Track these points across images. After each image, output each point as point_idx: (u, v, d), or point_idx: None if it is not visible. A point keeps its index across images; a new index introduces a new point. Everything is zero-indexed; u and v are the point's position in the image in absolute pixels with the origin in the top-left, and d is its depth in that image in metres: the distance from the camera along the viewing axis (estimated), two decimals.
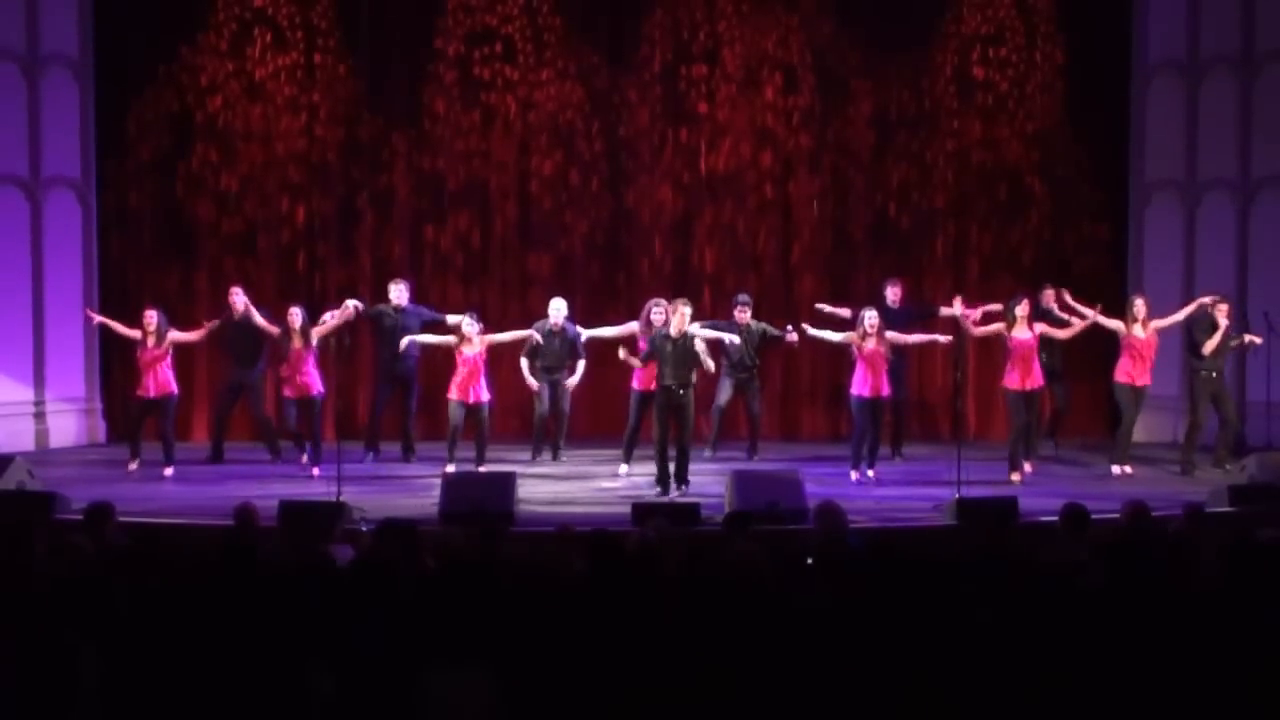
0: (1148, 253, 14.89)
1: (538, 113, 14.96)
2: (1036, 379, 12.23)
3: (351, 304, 12.86)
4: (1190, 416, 12.78)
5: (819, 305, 13.45)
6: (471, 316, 12.48)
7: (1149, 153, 14.84)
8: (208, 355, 14.49)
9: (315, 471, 12.42)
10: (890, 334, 12.21)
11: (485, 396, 12.43)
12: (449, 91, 14.90)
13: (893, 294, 13.37)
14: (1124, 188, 15.03)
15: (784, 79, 14.99)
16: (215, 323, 13.11)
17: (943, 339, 12.63)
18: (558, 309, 13.18)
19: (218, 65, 14.76)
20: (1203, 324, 12.61)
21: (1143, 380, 12.41)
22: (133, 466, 12.70)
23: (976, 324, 12.66)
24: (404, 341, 12.68)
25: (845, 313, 13.07)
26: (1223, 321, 12.51)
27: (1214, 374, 12.59)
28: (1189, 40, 14.51)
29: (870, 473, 12.23)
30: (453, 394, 12.41)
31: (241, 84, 14.82)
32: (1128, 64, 14.93)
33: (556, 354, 13.10)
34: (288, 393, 12.68)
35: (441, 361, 13.13)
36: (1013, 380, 12.20)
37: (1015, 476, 12.02)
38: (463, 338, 12.32)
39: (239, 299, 13.11)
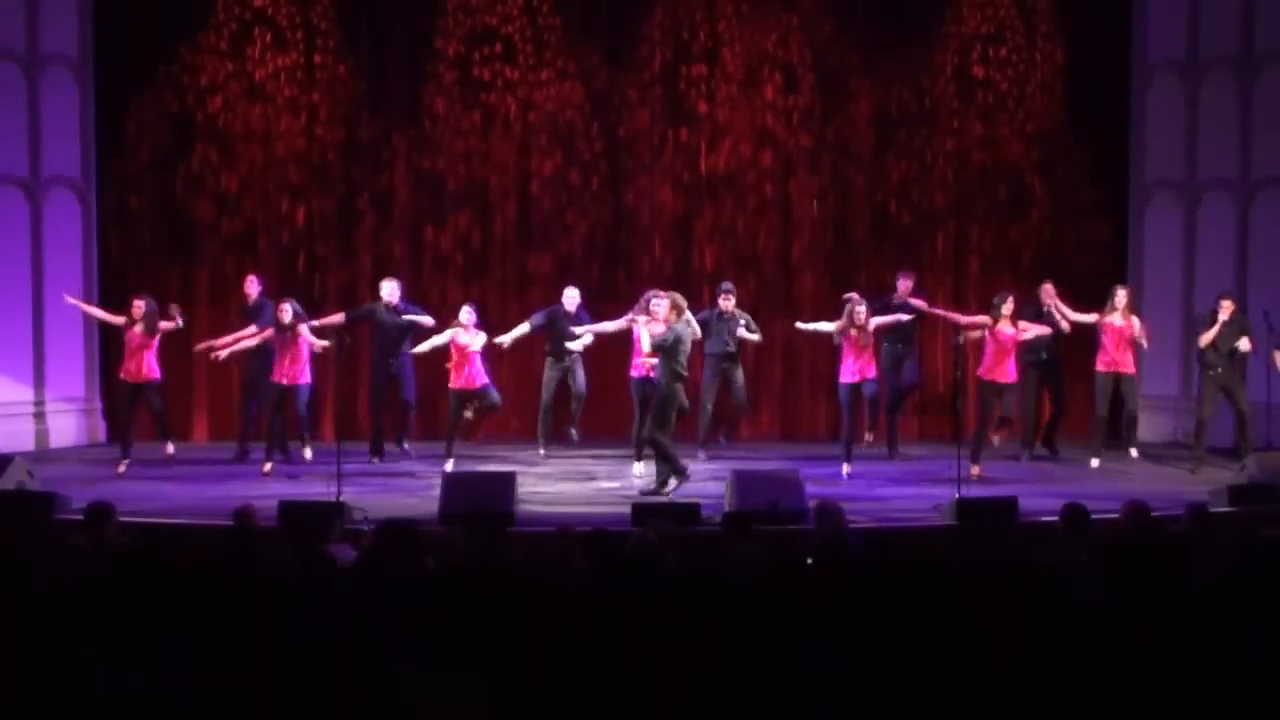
0: (1148, 252, 14.89)
1: (538, 113, 14.96)
2: (1011, 374, 12.46)
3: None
4: (1198, 414, 12.84)
5: (798, 325, 13.11)
6: (470, 307, 12.65)
7: (1149, 153, 14.83)
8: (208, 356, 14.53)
9: (267, 467, 12.48)
10: (874, 320, 12.42)
11: (485, 380, 12.58)
12: (449, 91, 14.89)
13: (904, 287, 13.48)
14: (1124, 188, 15.02)
15: (784, 79, 14.99)
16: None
17: (905, 317, 13.10)
18: (572, 296, 13.26)
19: (218, 65, 14.76)
20: (1205, 320, 12.78)
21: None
22: (122, 469, 12.59)
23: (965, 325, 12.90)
24: (427, 345, 12.73)
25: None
26: (1221, 316, 12.59)
27: (1219, 369, 12.65)
28: (1189, 40, 14.50)
29: (845, 468, 12.32)
30: (455, 383, 12.55)
31: (241, 84, 14.82)
32: (1128, 64, 14.92)
33: (572, 337, 13.18)
34: (277, 378, 12.71)
35: (440, 359, 13.10)
36: (989, 373, 12.45)
37: (975, 470, 12.08)
38: (459, 326, 12.48)
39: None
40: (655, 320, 11.65)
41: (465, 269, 15.07)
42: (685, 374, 11.41)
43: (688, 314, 11.57)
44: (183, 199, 14.88)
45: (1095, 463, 12.56)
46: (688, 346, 11.45)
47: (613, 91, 14.98)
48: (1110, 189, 15.02)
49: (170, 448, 12.84)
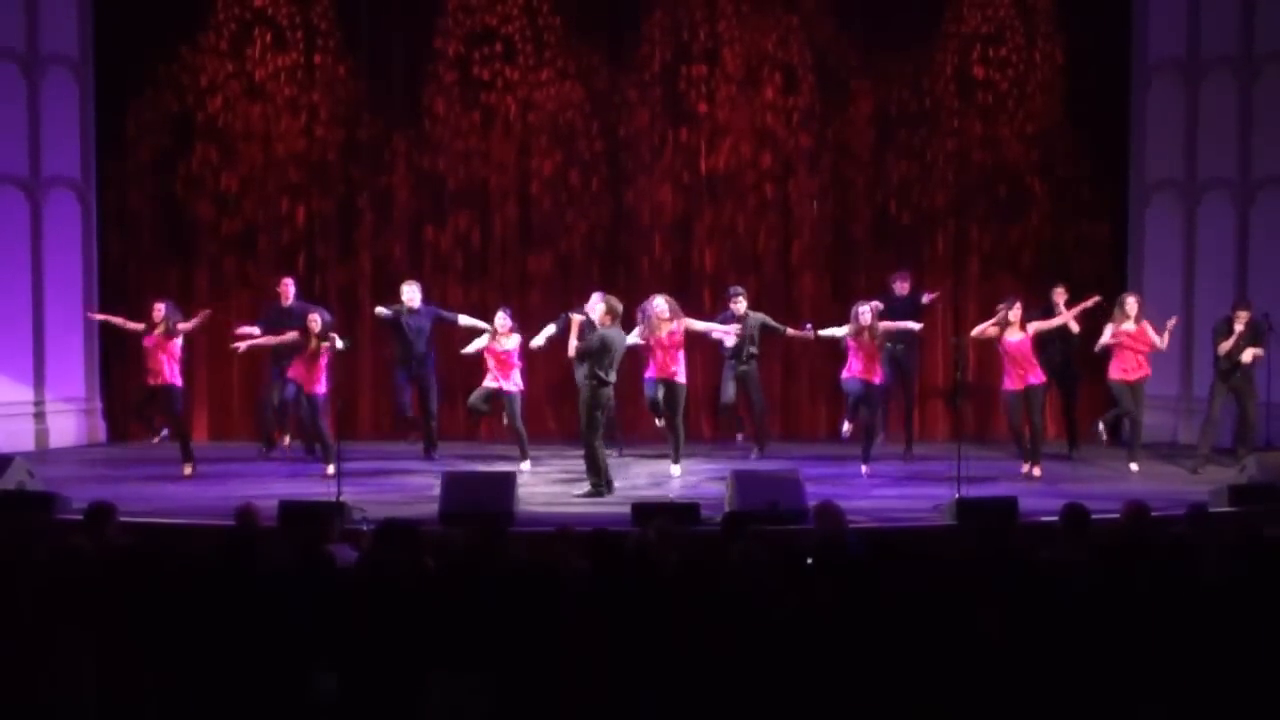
0: (1148, 253, 14.88)
1: (538, 113, 14.96)
2: (1040, 375, 12.37)
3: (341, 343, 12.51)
4: (1208, 412, 12.81)
5: (819, 332, 12.96)
6: (505, 313, 12.63)
7: (1149, 153, 14.83)
8: (208, 352, 14.54)
9: (329, 470, 11.93)
10: (882, 324, 12.47)
11: (514, 387, 12.56)
12: (449, 92, 14.90)
13: (900, 287, 13.57)
14: (1124, 188, 15.02)
15: (784, 79, 14.98)
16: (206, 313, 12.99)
17: (915, 325, 13.07)
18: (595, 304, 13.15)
19: (218, 65, 14.77)
20: (1220, 330, 12.73)
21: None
22: (152, 441, 12.87)
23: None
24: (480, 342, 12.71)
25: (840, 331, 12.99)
26: (1237, 327, 12.58)
27: (1236, 373, 12.66)
28: (1189, 40, 14.49)
29: (864, 468, 12.32)
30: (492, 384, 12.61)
31: (241, 84, 14.83)
32: (1128, 64, 14.91)
33: None
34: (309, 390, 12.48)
35: (468, 360, 13.13)
36: (1009, 383, 12.36)
37: (1036, 470, 12.18)
38: (495, 333, 12.50)
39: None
40: (663, 320, 12.01)
41: (465, 269, 15.07)
42: (609, 379, 11.35)
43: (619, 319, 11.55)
44: (183, 199, 14.89)
45: (1135, 466, 12.51)
46: (617, 353, 11.39)
47: (613, 91, 14.98)
48: (1110, 189, 15.02)
49: (189, 469, 12.42)
